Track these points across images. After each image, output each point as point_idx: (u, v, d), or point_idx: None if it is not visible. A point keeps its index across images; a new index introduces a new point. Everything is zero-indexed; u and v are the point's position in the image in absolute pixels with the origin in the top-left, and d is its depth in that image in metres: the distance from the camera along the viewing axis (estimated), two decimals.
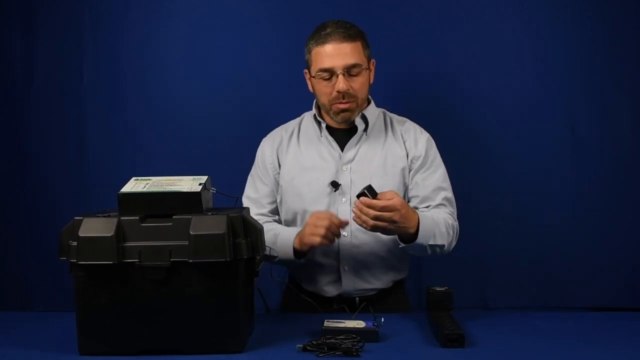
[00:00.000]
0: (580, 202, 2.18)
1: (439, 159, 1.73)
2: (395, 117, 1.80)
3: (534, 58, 2.18)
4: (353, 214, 1.51)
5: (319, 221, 1.55)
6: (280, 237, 1.63)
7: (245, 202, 1.75)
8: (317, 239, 1.53)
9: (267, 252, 1.52)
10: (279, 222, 1.76)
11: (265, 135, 1.83)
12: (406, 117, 1.82)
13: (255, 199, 1.76)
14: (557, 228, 2.19)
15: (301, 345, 1.24)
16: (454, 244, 1.66)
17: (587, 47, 2.16)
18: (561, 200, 2.19)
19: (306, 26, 1.70)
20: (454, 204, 1.71)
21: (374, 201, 1.45)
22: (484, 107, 2.20)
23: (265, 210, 1.76)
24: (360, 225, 1.49)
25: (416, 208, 1.65)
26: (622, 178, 2.16)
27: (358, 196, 1.47)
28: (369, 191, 1.46)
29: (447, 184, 1.71)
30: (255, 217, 1.54)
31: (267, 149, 1.78)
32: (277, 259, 1.63)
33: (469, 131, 2.20)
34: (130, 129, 2.26)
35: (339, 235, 1.58)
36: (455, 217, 1.69)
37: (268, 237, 1.53)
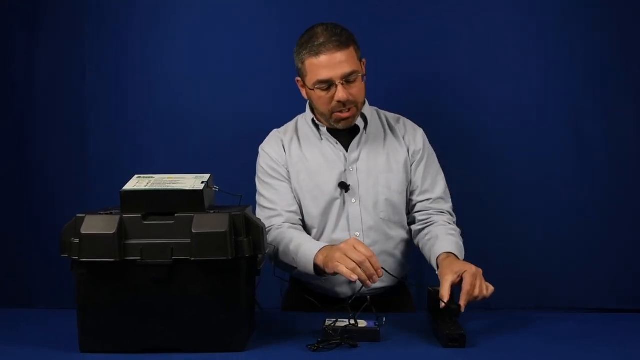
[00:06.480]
0: (583, 203, 2.18)
1: (433, 152, 1.77)
2: (388, 114, 1.80)
3: (536, 59, 2.18)
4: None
5: (354, 254, 1.38)
6: (302, 250, 1.53)
7: (269, 208, 1.67)
8: (342, 269, 1.37)
9: (289, 262, 1.53)
10: (303, 221, 1.71)
11: (263, 135, 1.80)
12: (407, 117, 1.82)
13: (278, 201, 1.68)
14: (560, 228, 2.19)
15: (306, 345, 1.24)
16: None
17: (591, 47, 2.16)
18: (563, 201, 2.19)
19: (308, 27, 1.69)
20: (449, 195, 1.75)
21: (467, 287, 1.40)
22: (486, 107, 2.20)
23: (294, 208, 1.68)
24: (482, 299, 1.42)
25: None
26: (624, 179, 2.16)
27: (447, 307, 1.36)
28: (436, 294, 1.39)
29: (442, 176, 1.75)
30: (286, 225, 1.59)
31: (271, 151, 1.73)
32: (296, 270, 1.55)
33: (470, 132, 2.20)
34: (132, 128, 2.26)
35: (371, 278, 1.37)
36: (452, 211, 1.73)
37: (292, 246, 1.53)
